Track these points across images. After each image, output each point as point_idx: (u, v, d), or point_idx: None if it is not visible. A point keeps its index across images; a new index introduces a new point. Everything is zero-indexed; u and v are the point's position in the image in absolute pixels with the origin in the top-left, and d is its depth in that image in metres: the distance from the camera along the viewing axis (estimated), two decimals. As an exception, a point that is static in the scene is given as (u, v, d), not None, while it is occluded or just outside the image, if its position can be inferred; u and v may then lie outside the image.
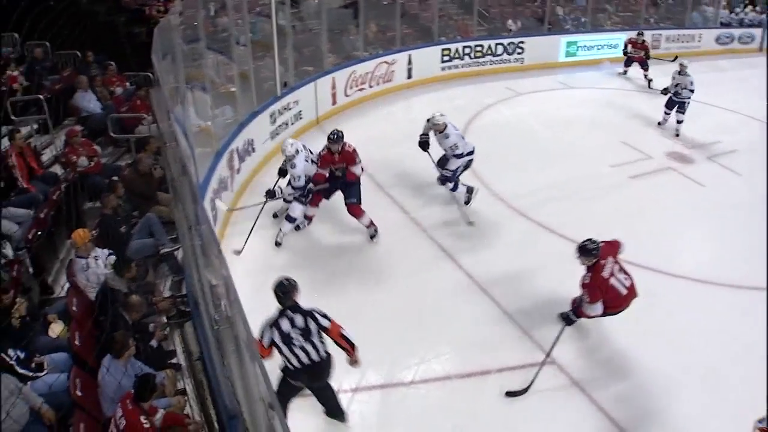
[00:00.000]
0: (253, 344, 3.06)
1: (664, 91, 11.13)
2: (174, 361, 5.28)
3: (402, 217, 7.77)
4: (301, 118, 10.07)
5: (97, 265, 5.58)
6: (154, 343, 5.08)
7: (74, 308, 5.28)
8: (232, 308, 3.53)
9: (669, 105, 11.04)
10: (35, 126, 8.67)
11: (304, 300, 4.43)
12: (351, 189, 6.99)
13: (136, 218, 6.75)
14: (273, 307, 4.36)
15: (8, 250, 5.82)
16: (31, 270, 5.97)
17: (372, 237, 7.17)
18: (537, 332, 5.80)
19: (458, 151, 7.46)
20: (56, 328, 5.18)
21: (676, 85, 10.85)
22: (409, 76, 12.68)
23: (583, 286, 5.29)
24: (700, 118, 11.35)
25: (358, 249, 7.05)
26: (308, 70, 10.85)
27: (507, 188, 8.04)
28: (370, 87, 11.86)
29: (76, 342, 4.89)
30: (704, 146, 10.20)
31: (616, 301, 5.34)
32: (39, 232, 6.25)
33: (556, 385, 5.32)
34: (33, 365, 4.61)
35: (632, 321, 5.85)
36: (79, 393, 4.40)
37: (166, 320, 5.60)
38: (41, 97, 8.30)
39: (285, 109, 9.56)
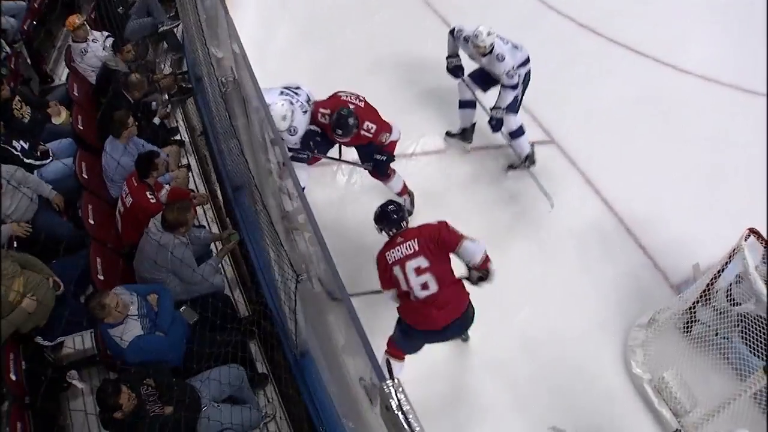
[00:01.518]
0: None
1: None
2: (177, 137, 5.14)
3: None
4: None
5: (96, 49, 5.32)
6: (156, 120, 4.88)
7: (75, 93, 5.14)
8: (238, 70, 3.27)
9: None
10: None
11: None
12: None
13: (133, -1, 6.28)
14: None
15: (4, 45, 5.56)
16: (29, 61, 5.76)
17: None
18: (539, 113, 5.59)
19: (513, 81, 4.79)
20: (60, 114, 4.97)
21: None
22: None
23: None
24: None
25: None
26: None
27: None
28: None
29: (80, 126, 4.77)
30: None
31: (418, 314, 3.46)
32: (34, 22, 5.94)
33: (557, 164, 5.20)
34: (38, 153, 4.47)
35: (635, 115, 5.62)
36: (85, 176, 4.31)
37: (168, 98, 5.39)
38: None
39: None
